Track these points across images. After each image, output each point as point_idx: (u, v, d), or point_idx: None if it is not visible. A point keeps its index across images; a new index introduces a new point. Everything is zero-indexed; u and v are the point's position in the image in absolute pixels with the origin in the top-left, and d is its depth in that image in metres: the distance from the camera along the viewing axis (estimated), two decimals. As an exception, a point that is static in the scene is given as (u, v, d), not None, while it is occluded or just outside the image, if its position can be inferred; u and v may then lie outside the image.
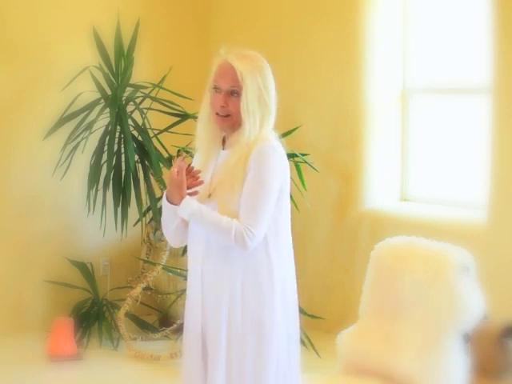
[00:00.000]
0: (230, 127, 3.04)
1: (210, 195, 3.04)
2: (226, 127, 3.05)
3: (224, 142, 3.11)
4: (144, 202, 5.56)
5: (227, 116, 3.02)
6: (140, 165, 5.63)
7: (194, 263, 3.10)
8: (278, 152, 3.01)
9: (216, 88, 3.03)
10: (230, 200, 2.98)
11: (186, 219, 3.03)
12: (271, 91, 3.04)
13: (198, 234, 3.07)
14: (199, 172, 3.04)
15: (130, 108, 5.69)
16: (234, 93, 2.99)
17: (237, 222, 2.94)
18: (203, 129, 3.10)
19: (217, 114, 3.03)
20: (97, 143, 5.65)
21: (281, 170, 3.01)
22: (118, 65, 5.73)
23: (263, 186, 2.95)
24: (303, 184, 5.28)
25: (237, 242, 2.94)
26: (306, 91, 6.02)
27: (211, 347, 3.05)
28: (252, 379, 3.01)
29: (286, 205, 3.07)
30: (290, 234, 3.11)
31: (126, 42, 5.72)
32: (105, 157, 5.58)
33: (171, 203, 3.04)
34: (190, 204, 2.99)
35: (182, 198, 2.99)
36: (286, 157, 3.05)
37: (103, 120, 5.62)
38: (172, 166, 3.06)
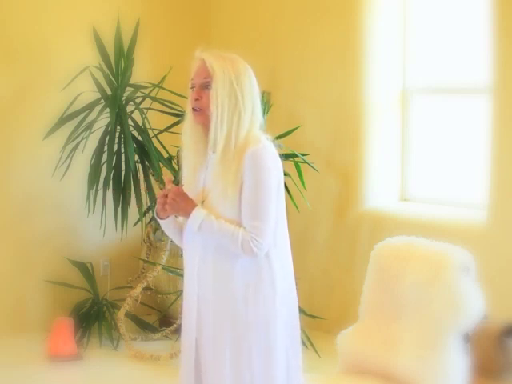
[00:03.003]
0: (207, 122, 2.99)
1: (203, 201, 3.03)
2: (202, 121, 3.02)
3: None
4: (144, 202, 5.56)
5: (202, 110, 3.00)
6: (140, 165, 5.63)
7: (190, 268, 3.10)
8: (270, 153, 2.98)
9: (192, 86, 3.04)
10: (223, 205, 2.96)
11: (194, 229, 3.00)
12: (247, 90, 2.99)
13: (193, 242, 3.07)
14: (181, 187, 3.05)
15: (130, 108, 5.69)
16: (208, 85, 2.98)
17: (243, 230, 2.93)
18: (191, 134, 3.08)
19: (193, 109, 3.02)
20: (97, 143, 5.65)
21: (275, 171, 2.99)
22: (117, 65, 5.73)
23: (262, 190, 2.93)
24: (303, 184, 5.28)
25: (244, 251, 2.94)
26: (307, 91, 6.02)
27: (208, 350, 3.04)
28: (261, 379, 3.01)
29: (282, 205, 3.06)
30: (286, 231, 3.10)
31: (126, 42, 5.72)
32: (105, 157, 5.58)
33: (162, 218, 3.09)
34: (200, 213, 2.96)
35: (192, 206, 2.98)
36: (278, 157, 3.03)
37: (103, 120, 5.63)
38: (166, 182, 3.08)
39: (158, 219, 3.12)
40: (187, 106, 3.09)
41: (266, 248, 2.96)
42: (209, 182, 3.03)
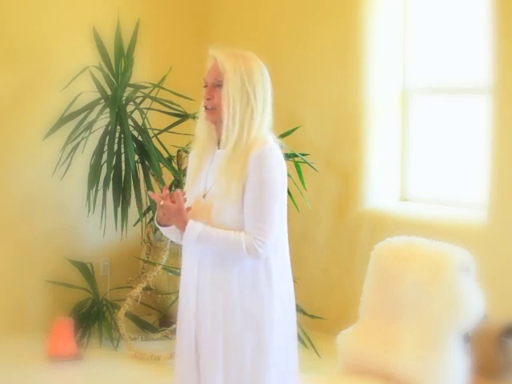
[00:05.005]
0: (219, 121, 3.02)
1: (204, 195, 3.04)
2: (213, 120, 3.04)
3: (219, 142, 3.10)
4: (144, 202, 5.56)
5: (213, 109, 3.01)
6: (140, 165, 5.63)
7: (189, 268, 3.10)
8: (276, 155, 2.99)
9: (205, 85, 3.05)
10: (225, 200, 2.97)
11: (192, 242, 3.00)
12: (259, 89, 2.99)
13: (192, 246, 3.06)
14: (184, 194, 3.03)
15: (130, 108, 5.69)
16: (219, 85, 2.99)
17: (244, 234, 2.93)
18: (200, 128, 3.12)
19: (205, 107, 3.04)
20: (97, 143, 5.64)
21: (280, 173, 2.99)
22: (117, 65, 5.73)
23: (267, 191, 2.93)
24: (303, 184, 5.28)
25: (249, 254, 2.94)
26: (307, 91, 6.02)
27: (205, 349, 3.04)
28: (252, 380, 3.00)
29: (284, 208, 3.06)
30: (286, 234, 3.10)
31: (126, 42, 5.72)
32: (105, 157, 5.58)
33: (164, 225, 3.07)
34: (194, 227, 2.97)
35: (185, 223, 2.98)
36: (283, 160, 3.03)
37: (103, 120, 5.62)
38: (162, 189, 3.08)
39: (160, 227, 3.11)
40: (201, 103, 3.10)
41: (270, 249, 2.96)
42: (212, 177, 3.04)
